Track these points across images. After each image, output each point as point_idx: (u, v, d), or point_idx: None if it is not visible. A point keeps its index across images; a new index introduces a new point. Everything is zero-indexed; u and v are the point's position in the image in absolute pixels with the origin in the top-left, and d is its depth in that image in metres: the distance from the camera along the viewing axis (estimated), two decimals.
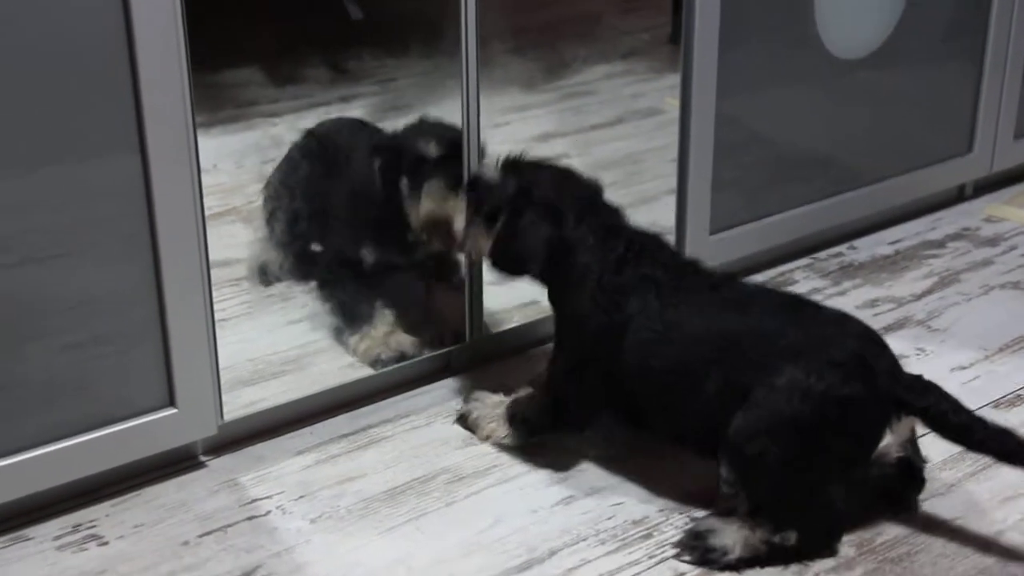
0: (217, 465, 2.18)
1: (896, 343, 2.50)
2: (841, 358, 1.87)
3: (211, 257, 2.08)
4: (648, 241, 2.10)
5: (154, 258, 2.00)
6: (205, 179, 2.05)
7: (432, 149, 2.32)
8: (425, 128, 2.38)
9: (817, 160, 2.92)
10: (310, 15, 2.70)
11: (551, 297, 2.16)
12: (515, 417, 2.19)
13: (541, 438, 2.20)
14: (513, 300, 2.50)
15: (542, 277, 2.13)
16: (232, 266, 2.46)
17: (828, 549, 1.95)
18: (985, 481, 2.14)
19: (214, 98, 2.61)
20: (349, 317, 2.42)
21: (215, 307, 2.11)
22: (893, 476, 2.04)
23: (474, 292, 2.42)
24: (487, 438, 2.22)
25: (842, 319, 1.98)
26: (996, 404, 2.36)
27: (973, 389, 2.40)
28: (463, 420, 2.27)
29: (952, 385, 2.37)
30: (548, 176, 2.14)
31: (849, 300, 2.73)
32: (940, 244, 3.02)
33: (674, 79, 2.61)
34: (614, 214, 2.13)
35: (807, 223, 2.89)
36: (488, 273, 2.42)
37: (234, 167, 2.54)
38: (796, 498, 1.92)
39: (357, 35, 2.77)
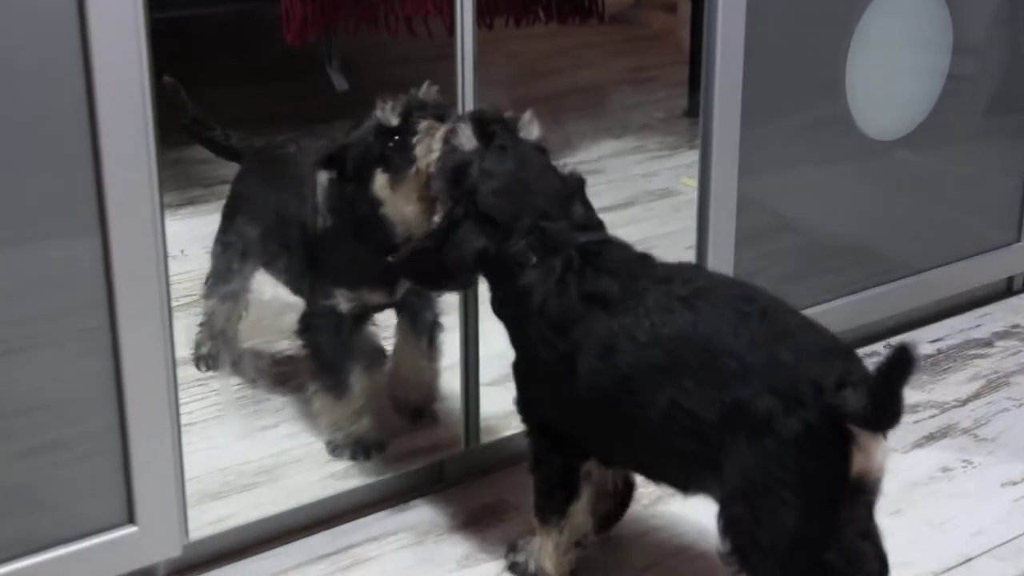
0: None
1: (939, 454, 2.50)
2: (785, 386, 1.78)
3: (177, 354, 2.04)
4: (593, 249, 2.00)
5: (114, 354, 1.96)
6: (172, 266, 2.02)
7: (393, 114, 2.16)
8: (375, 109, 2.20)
9: (849, 249, 2.90)
10: (291, 85, 2.69)
11: (502, 319, 2.09)
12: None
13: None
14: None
15: (493, 292, 2.07)
16: None
17: None
18: None
19: (181, 176, 2.61)
20: (322, 375, 2.37)
21: (181, 410, 2.07)
22: None
23: (470, 396, 2.39)
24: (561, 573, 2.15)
25: (791, 330, 1.86)
26: None
27: None
28: (519, 570, 2.19)
29: (1002, 502, 2.38)
30: (510, 172, 2.02)
31: None
32: (987, 343, 3.00)
33: (691, 157, 2.60)
34: (566, 224, 2.02)
35: (839, 319, 2.85)
36: (485, 375, 2.40)
37: (204, 253, 2.53)
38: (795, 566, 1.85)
39: (342, 107, 2.76)
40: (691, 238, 2.61)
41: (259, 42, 2.68)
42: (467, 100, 2.25)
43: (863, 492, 1.84)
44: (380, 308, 2.39)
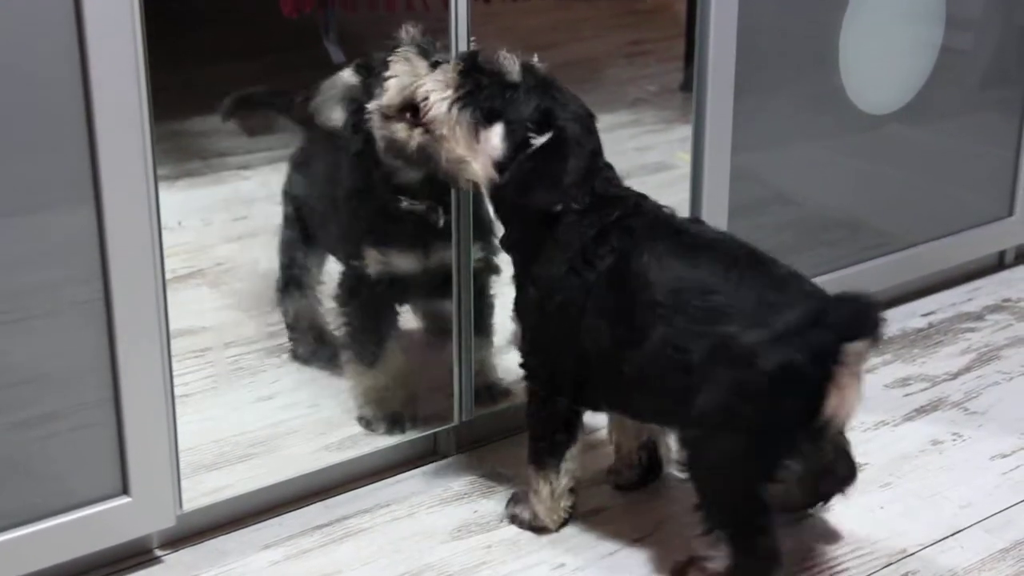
0: (175, 560, 2.13)
1: (929, 427, 2.49)
2: (780, 329, 1.85)
3: (173, 325, 2.03)
4: (638, 203, 2.07)
5: (108, 327, 1.95)
6: (168, 238, 2.00)
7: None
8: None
9: (842, 223, 2.88)
10: (287, 57, 2.66)
11: (520, 254, 2.10)
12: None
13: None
14: (507, 376, 2.44)
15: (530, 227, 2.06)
16: (196, 335, 2.42)
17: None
18: None
19: (179, 148, 2.58)
20: (355, 347, 2.35)
21: (176, 381, 2.05)
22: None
23: (463, 369, 2.37)
24: (555, 521, 2.19)
25: (789, 279, 1.97)
26: None
27: (1015, 480, 2.35)
28: (518, 521, 2.22)
29: (992, 475, 2.37)
30: (579, 108, 2.07)
31: (877, 378, 2.68)
32: (978, 317, 2.98)
33: (686, 131, 2.58)
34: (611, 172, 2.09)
35: (832, 292, 2.84)
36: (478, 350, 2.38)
37: (201, 225, 2.51)
38: (735, 497, 1.95)
39: None
40: (685, 211, 2.59)
41: (255, 14, 2.64)
42: None
43: (832, 429, 1.91)
44: (416, 278, 2.33)
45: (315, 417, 2.37)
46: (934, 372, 2.73)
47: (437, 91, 2.03)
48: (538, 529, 2.18)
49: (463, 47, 2.19)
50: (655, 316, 1.94)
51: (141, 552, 2.12)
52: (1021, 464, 2.40)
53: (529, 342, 2.11)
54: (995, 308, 3.02)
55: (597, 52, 3.12)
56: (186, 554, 2.14)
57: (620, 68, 3.14)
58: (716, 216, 2.59)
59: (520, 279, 2.11)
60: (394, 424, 2.35)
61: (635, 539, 2.18)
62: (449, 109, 2.02)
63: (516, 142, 2.00)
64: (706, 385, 1.89)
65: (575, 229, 2.02)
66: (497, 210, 2.11)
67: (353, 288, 2.32)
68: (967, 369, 2.74)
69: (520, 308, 2.11)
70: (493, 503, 2.27)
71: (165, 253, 1.98)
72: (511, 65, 2.02)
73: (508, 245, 2.12)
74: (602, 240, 2.01)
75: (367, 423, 2.36)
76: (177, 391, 2.06)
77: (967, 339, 2.87)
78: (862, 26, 2.74)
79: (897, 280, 3.00)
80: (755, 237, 2.64)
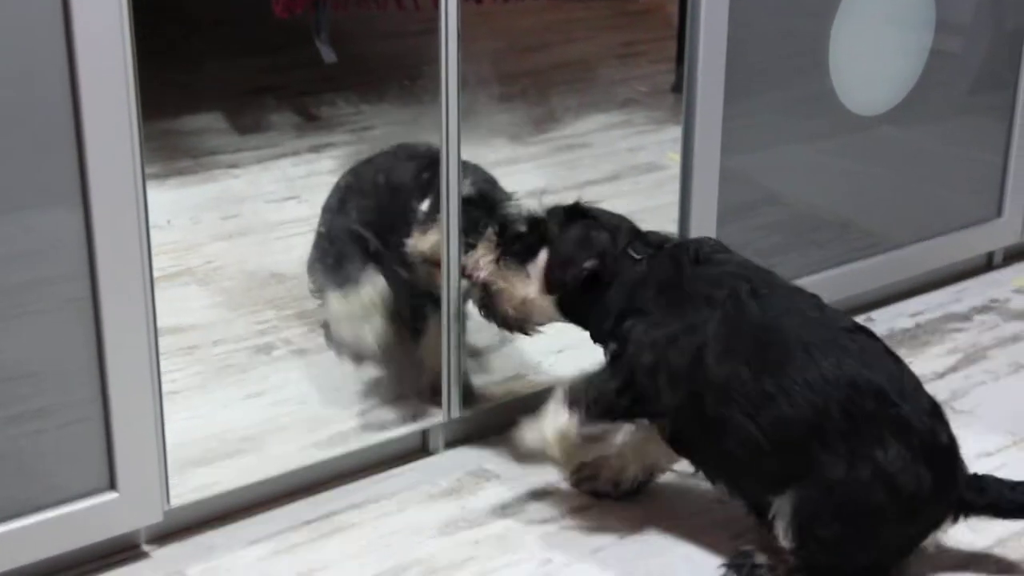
0: (162, 555, 2.12)
1: None
2: (930, 453, 2.00)
3: (161, 323, 2.03)
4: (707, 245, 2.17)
5: (96, 324, 1.95)
6: (158, 236, 2.00)
7: (466, 188, 2.30)
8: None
9: (831, 224, 2.88)
10: (278, 57, 2.67)
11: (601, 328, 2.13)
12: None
13: None
14: (497, 374, 2.44)
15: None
16: (185, 332, 2.42)
17: None
18: None
19: (169, 147, 2.59)
20: (335, 272, 2.36)
21: (164, 378, 2.06)
22: None
23: (452, 366, 2.37)
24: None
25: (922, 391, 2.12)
26: None
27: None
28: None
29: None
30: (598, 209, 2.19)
31: None
32: (965, 317, 2.99)
33: (677, 132, 2.58)
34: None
35: (822, 292, 2.81)
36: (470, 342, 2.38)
37: (190, 223, 2.51)
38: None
39: (330, 79, 2.74)
40: (675, 212, 2.59)
41: (246, 14, 2.65)
42: (452, 73, 2.22)
43: None
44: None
45: (304, 414, 2.37)
46: (921, 371, 2.70)
47: (487, 259, 2.19)
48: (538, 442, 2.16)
49: (453, 49, 2.20)
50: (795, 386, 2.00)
51: (128, 547, 2.12)
52: (1007, 462, 2.41)
53: (632, 388, 2.09)
54: (982, 309, 3.02)
55: (589, 53, 3.13)
56: (173, 549, 2.13)
57: (612, 69, 3.15)
58: (706, 217, 2.59)
59: (622, 342, 2.10)
60: (359, 357, 2.36)
61: (622, 536, 2.18)
62: (498, 265, 2.17)
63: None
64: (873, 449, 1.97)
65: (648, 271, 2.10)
66: (569, 311, 2.17)
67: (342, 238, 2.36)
68: (954, 369, 2.74)
69: (627, 360, 2.10)
70: (481, 499, 2.27)
71: (154, 251, 1.98)
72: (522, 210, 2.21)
73: (605, 332, 2.13)
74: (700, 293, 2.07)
75: (337, 348, 2.36)
76: (165, 388, 2.06)
77: (954, 339, 2.87)
78: (852, 28, 2.74)
79: (885, 280, 3.00)
80: (745, 238, 2.66)
